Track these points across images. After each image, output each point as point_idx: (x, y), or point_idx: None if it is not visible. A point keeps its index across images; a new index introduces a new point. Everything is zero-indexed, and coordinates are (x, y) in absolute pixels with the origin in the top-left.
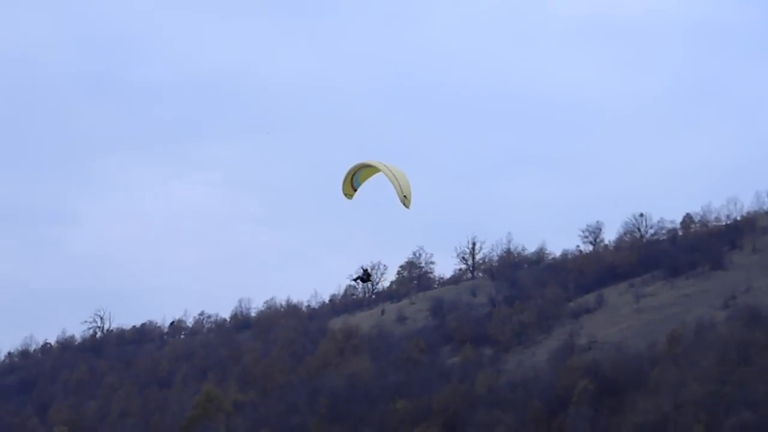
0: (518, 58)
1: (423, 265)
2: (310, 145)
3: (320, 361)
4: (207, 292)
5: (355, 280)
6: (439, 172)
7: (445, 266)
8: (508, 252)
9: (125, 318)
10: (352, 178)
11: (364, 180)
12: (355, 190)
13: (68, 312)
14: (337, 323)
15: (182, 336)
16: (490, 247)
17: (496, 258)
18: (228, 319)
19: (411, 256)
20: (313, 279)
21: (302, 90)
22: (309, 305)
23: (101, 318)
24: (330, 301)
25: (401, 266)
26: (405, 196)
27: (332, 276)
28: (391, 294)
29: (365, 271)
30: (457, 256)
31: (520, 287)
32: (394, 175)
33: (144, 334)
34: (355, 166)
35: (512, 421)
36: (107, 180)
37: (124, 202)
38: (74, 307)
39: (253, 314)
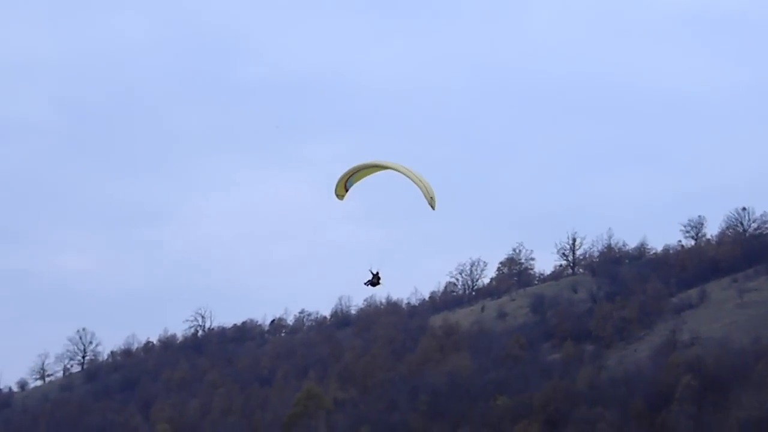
0: (617, 52)
1: (523, 261)
2: (408, 142)
3: (420, 358)
4: (307, 290)
5: (366, 283)
6: (539, 167)
7: (545, 262)
8: (609, 247)
9: (226, 316)
10: (347, 180)
11: (359, 180)
12: (347, 191)
13: (170, 311)
14: (437, 320)
15: (283, 334)
16: (590, 242)
17: (596, 253)
18: (328, 317)
19: (511, 252)
20: (413, 276)
21: (401, 87)
22: (409, 302)
23: (202, 317)
24: (430, 298)
25: (501, 263)
26: (432, 198)
27: (432, 273)
28: (491, 290)
29: (374, 274)
30: (558, 252)
31: (621, 283)
32: (418, 178)
33: (245, 332)
34: (355, 168)
35: (614, 418)
36: (208, 179)
37: (225, 201)
38: (176, 306)
39: (353, 312)
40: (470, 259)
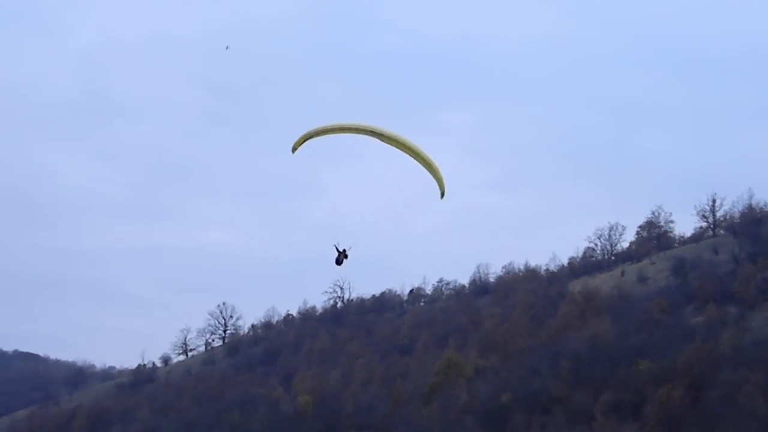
0: (756, 6)
1: (662, 224)
2: (546, 106)
3: (560, 325)
4: (445, 258)
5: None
6: (677, 128)
7: (685, 225)
8: (750, 207)
9: (365, 287)
10: (309, 138)
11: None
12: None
13: (309, 283)
14: (576, 286)
15: (422, 303)
16: (731, 203)
17: (737, 214)
18: (467, 285)
19: (650, 215)
20: (551, 242)
21: (534, 51)
22: (548, 269)
23: (341, 288)
24: (569, 263)
25: (640, 226)
26: (439, 182)
27: (570, 238)
28: (631, 254)
29: (340, 252)
30: (697, 213)
31: (764, 243)
32: (427, 161)
33: (384, 302)
34: (334, 127)
35: (759, 380)
36: (347, 150)
37: (363, 172)
38: (315, 278)
39: (491, 279)
40: (609, 223)
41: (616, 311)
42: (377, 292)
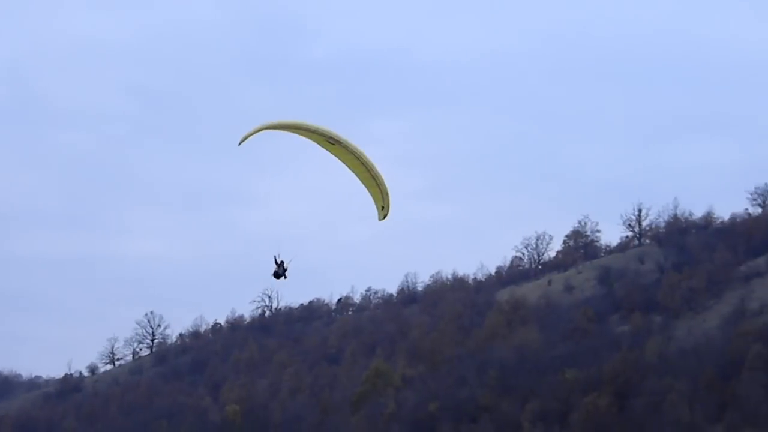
0: (688, 17)
1: (589, 233)
2: (477, 116)
3: (488, 334)
4: (374, 267)
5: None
6: (603, 138)
7: (611, 234)
8: (675, 217)
9: (293, 296)
10: (258, 130)
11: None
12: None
13: (237, 292)
14: (503, 295)
15: (350, 312)
16: (656, 213)
17: (663, 224)
18: (395, 294)
19: (576, 224)
20: (479, 251)
21: (468, 60)
22: (475, 278)
23: (269, 297)
24: (496, 272)
25: (567, 235)
26: (383, 207)
27: (498, 248)
28: (558, 264)
29: (278, 264)
30: (623, 223)
31: (689, 252)
32: (379, 180)
33: (312, 311)
34: (291, 124)
35: (684, 388)
36: (277, 159)
37: (294, 181)
38: (243, 287)
39: (419, 288)
40: (536, 232)
41: (543, 320)
42: (305, 301)
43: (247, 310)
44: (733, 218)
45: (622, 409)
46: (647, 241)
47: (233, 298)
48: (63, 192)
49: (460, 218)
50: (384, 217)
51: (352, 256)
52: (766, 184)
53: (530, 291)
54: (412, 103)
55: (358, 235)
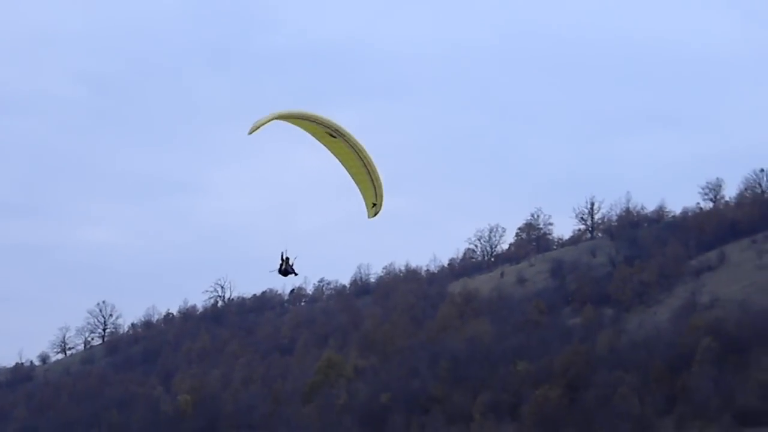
0: (637, 12)
1: (541, 226)
2: (431, 108)
3: (440, 325)
4: (326, 258)
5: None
6: (557, 132)
7: (563, 227)
8: (628, 211)
9: (246, 286)
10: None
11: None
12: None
13: (190, 282)
14: (456, 287)
15: (302, 303)
16: (608, 206)
17: (615, 217)
18: (347, 286)
19: (529, 217)
20: (432, 243)
21: (424, 53)
22: (428, 269)
23: (222, 287)
24: (449, 264)
25: (520, 228)
26: (374, 204)
27: (451, 239)
28: (510, 256)
29: (284, 261)
30: (576, 216)
31: (640, 246)
32: (376, 179)
33: (264, 302)
34: (302, 114)
35: (634, 381)
36: (231, 150)
37: (248, 171)
38: (196, 278)
39: (372, 280)
40: (489, 224)
41: (495, 312)
42: (258, 291)
43: (199, 300)
44: (684, 212)
45: (573, 401)
46: (599, 234)
47: (186, 288)
48: (14, 179)
49: (413, 210)
50: (375, 215)
51: (304, 246)
52: (717, 178)
53: (483, 283)
54: (367, 95)
55: (311, 225)
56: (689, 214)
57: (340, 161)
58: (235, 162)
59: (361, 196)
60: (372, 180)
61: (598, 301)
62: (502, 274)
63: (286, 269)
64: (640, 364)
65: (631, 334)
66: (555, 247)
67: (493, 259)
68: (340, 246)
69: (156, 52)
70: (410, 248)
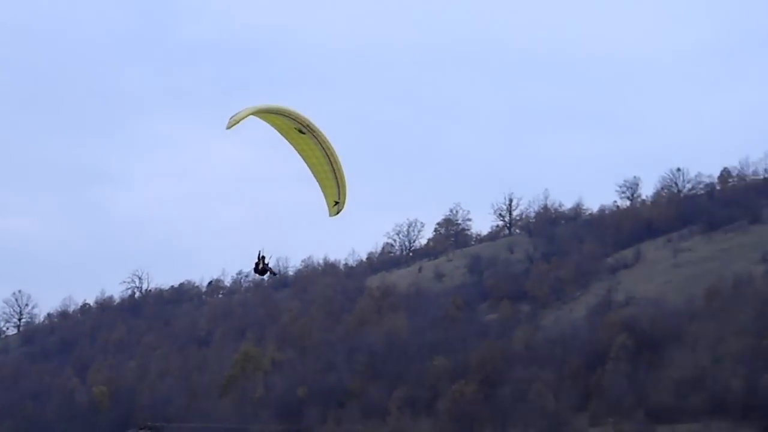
0: (557, 12)
1: (460, 221)
2: (352, 101)
3: (358, 319)
4: (245, 251)
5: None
6: (477, 128)
7: (482, 223)
8: (545, 208)
9: (163, 278)
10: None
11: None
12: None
13: (107, 273)
14: (374, 281)
15: (220, 295)
16: (527, 203)
17: (533, 214)
18: (266, 278)
19: (448, 213)
20: (351, 237)
21: (345, 46)
22: (346, 263)
23: (139, 278)
24: (367, 259)
25: (438, 223)
26: (336, 202)
27: (370, 234)
28: (429, 251)
29: (260, 258)
30: (494, 212)
31: (558, 243)
32: (341, 176)
33: (182, 293)
34: (271, 109)
35: (550, 377)
36: (150, 140)
37: (168, 163)
38: (113, 269)
39: (290, 273)
40: (407, 219)
41: (412, 307)
42: (176, 283)
43: (117, 290)
44: (601, 210)
45: (489, 396)
46: (517, 230)
47: (103, 278)
48: None
49: None
50: (337, 213)
51: (223, 238)
52: (634, 177)
53: (401, 278)
54: (286, 86)
55: (230, 217)
56: (606, 212)
57: (303, 157)
58: (154, 153)
59: (322, 194)
60: (336, 178)
61: (515, 298)
62: (420, 269)
63: (263, 268)
64: (555, 360)
65: (547, 331)
66: (473, 242)
67: (411, 254)
68: (258, 238)
69: (77, 40)
70: (329, 242)
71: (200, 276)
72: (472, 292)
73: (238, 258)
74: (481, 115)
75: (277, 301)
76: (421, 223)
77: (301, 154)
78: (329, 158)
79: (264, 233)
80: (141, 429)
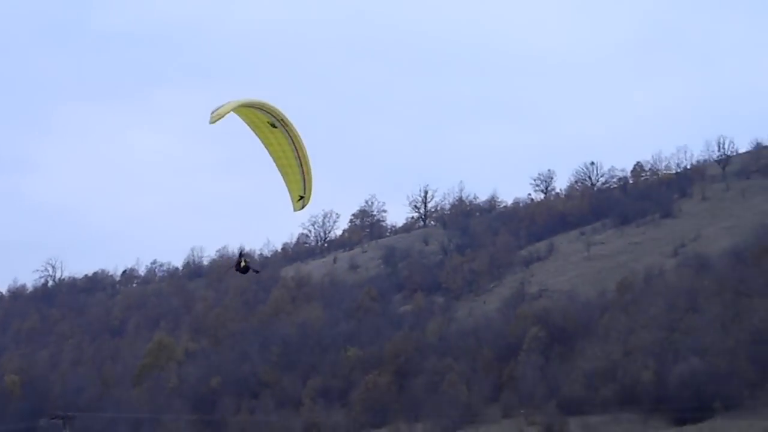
0: (474, 5)
1: (375, 213)
2: (270, 91)
3: (272, 310)
4: (160, 240)
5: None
6: (392, 119)
7: (397, 214)
8: (460, 200)
9: (77, 267)
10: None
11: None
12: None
13: (19, 261)
14: (289, 271)
15: (134, 285)
16: (442, 195)
17: (448, 206)
18: (180, 268)
19: (363, 204)
20: (266, 227)
21: (262, 35)
22: (261, 253)
23: (53, 267)
24: (282, 249)
25: (353, 214)
26: (301, 197)
27: (285, 224)
28: (344, 242)
29: (242, 255)
30: (409, 204)
31: (472, 235)
32: (308, 170)
33: (96, 282)
34: (251, 104)
35: (463, 369)
36: (66, 128)
37: (82, 151)
38: (26, 256)
39: (205, 263)
40: (323, 210)
41: (327, 298)
42: (90, 272)
43: (29, 279)
44: (516, 203)
45: (402, 387)
46: (432, 222)
47: (16, 266)
48: None
49: (248, 193)
50: (302, 207)
51: (138, 227)
52: (549, 170)
53: (315, 268)
54: (208, 76)
55: (144, 207)
56: (520, 204)
57: (271, 152)
58: (69, 140)
59: (286, 188)
60: (303, 173)
61: (429, 289)
62: (335, 260)
63: (246, 266)
64: (468, 352)
65: (460, 323)
66: (388, 234)
67: (326, 245)
68: (173, 228)
69: None
70: (244, 232)
71: (114, 265)
72: (387, 283)
73: (152, 247)
74: (396, 106)
75: (191, 291)
76: (337, 214)
77: (268, 148)
78: (298, 152)
79: (179, 222)
80: (53, 419)
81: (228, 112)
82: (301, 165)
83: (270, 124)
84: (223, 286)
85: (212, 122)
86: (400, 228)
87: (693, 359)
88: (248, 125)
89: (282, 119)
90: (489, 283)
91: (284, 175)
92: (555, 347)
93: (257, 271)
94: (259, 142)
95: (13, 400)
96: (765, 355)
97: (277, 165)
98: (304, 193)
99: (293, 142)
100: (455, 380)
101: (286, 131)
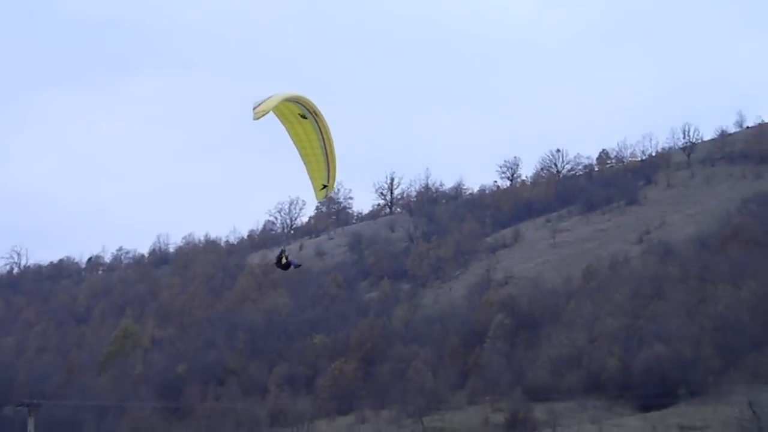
0: None
1: (341, 200)
2: (234, 79)
3: (238, 297)
4: (126, 227)
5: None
6: (357, 105)
7: (363, 201)
8: (426, 187)
9: (43, 254)
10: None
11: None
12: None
13: None
14: (255, 258)
15: (100, 272)
16: (408, 182)
17: (414, 193)
18: (146, 255)
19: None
20: (232, 214)
21: (226, 23)
22: (227, 240)
23: (18, 254)
24: (248, 236)
25: (320, 201)
26: (325, 186)
27: (251, 211)
28: (310, 229)
29: (282, 253)
30: (376, 191)
31: (438, 222)
32: (333, 161)
33: (61, 269)
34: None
35: (429, 355)
36: (31, 115)
37: (48, 138)
38: None
39: (171, 250)
40: (289, 197)
41: (293, 285)
42: (55, 259)
43: None
44: (482, 190)
45: (368, 374)
46: (398, 209)
47: None
48: None
49: (214, 180)
50: (325, 197)
51: (103, 214)
52: (515, 157)
53: None
54: (171, 64)
55: (111, 192)
56: (486, 191)
57: (296, 141)
58: (35, 127)
59: (309, 177)
60: (328, 162)
61: (395, 276)
62: (301, 247)
63: (288, 262)
64: (434, 338)
65: (426, 310)
66: (354, 221)
67: (292, 232)
68: (139, 214)
69: None
70: (210, 219)
71: (80, 252)
72: (353, 270)
73: (118, 234)
74: (362, 93)
75: (157, 278)
76: (303, 201)
77: (294, 138)
78: (325, 143)
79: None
80: (18, 406)
81: (271, 109)
82: (327, 155)
83: (301, 115)
84: (189, 273)
85: (256, 119)
86: (366, 215)
87: (658, 346)
88: (278, 116)
89: (314, 111)
90: (455, 270)
91: (307, 164)
92: (520, 334)
93: (298, 266)
94: (286, 131)
95: None
96: (729, 342)
97: (301, 154)
98: (328, 182)
99: (321, 132)
100: (421, 367)
101: (316, 122)
